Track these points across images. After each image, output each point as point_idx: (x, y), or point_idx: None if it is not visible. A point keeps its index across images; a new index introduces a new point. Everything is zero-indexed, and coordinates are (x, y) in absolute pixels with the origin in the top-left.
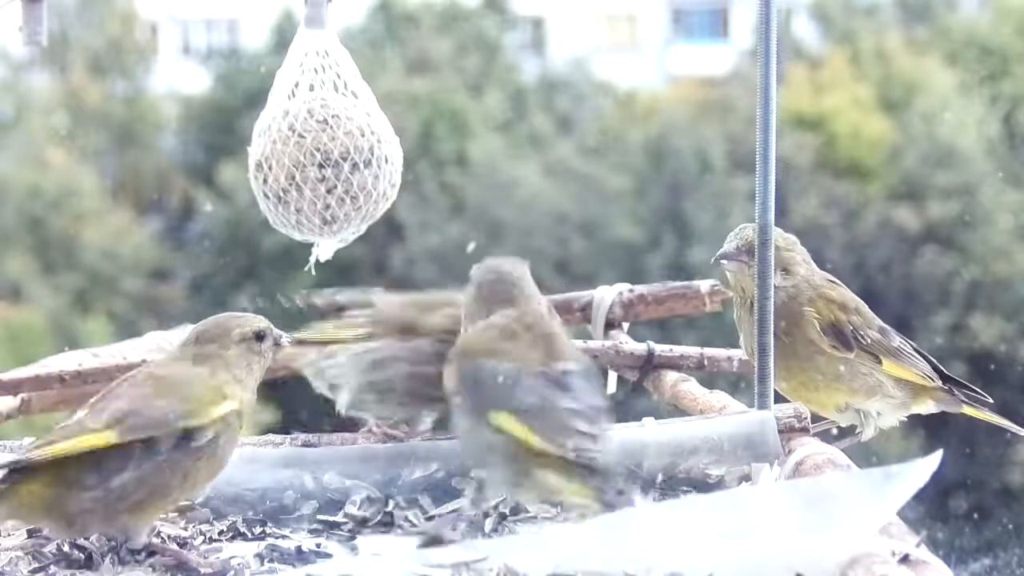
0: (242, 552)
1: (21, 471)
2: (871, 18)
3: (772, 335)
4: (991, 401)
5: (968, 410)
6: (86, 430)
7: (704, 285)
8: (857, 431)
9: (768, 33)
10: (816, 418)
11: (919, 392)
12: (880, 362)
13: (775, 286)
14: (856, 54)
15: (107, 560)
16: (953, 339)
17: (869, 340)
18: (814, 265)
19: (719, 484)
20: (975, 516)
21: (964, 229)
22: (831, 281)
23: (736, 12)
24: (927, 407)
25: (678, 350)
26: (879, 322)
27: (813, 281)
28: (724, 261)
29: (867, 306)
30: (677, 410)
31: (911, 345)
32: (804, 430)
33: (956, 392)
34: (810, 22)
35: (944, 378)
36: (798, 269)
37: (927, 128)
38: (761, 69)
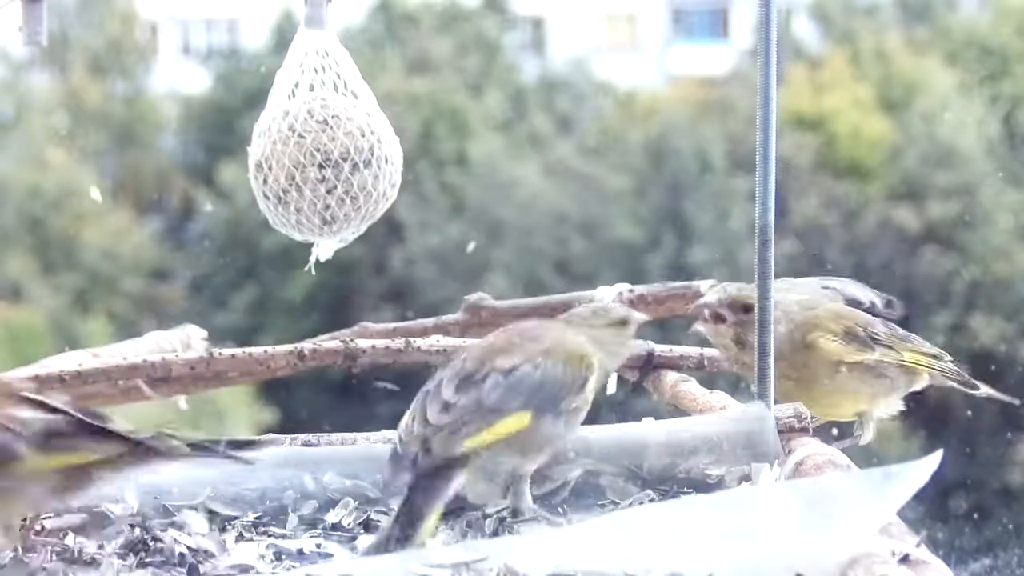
0: (242, 552)
1: None
2: (871, 18)
3: (772, 335)
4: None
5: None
6: None
7: (704, 285)
8: (856, 433)
9: (768, 33)
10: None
11: (919, 374)
12: (901, 353)
13: (750, 343)
14: (856, 54)
15: (108, 560)
16: (953, 339)
17: (882, 336)
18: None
19: (719, 484)
20: (975, 516)
21: (964, 229)
22: (809, 308)
23: (736, 12)
24: (922, 381)
25: (678, 350)
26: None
27: (795, 312)
28: (699, 326)
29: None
30: (677, 410)
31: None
32: (804, 430)
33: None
34: (810, 22)
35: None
36: (779, 329)
37: (927, 128)
38: (761, 69)
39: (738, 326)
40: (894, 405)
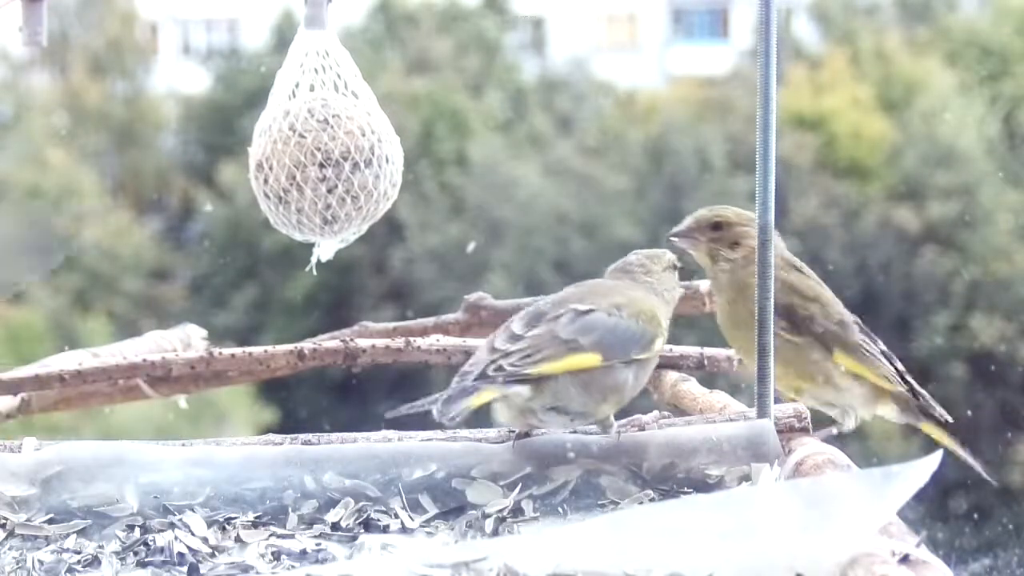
0: (242, 552)
1: None
2: (871, 18)
3: (772, 335)
4: (951, 420)
5: (927, 428)
6: None
7: (704, 285)
8: (837, 421)
9: (768, 33)
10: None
11: (879, 393)
12: (831, 352)
13: (728, 260)
14: (856, 54)
15: (108, 560)
16: (953, 339)
17: (822, 329)
18: (781, 245)
19: (719, 484)
20: (975, 516)
21: (964, 229)
22: (795, 267)
23: (736, 12)
24: (889, 411)
25: (678, 350)
26: (842, 316)
27: (785, 262)
28: (675, 239)
29: (835, 298)
30: (677, 410)
31: (880, 348)
32: (804, 430)
33: (917, 401)
34: (810, 22)
35: (912, 391)
36: (750, 243)
37: (927, 128)
38: (761, 69)
39: (710, 243)
40: (847, 401)
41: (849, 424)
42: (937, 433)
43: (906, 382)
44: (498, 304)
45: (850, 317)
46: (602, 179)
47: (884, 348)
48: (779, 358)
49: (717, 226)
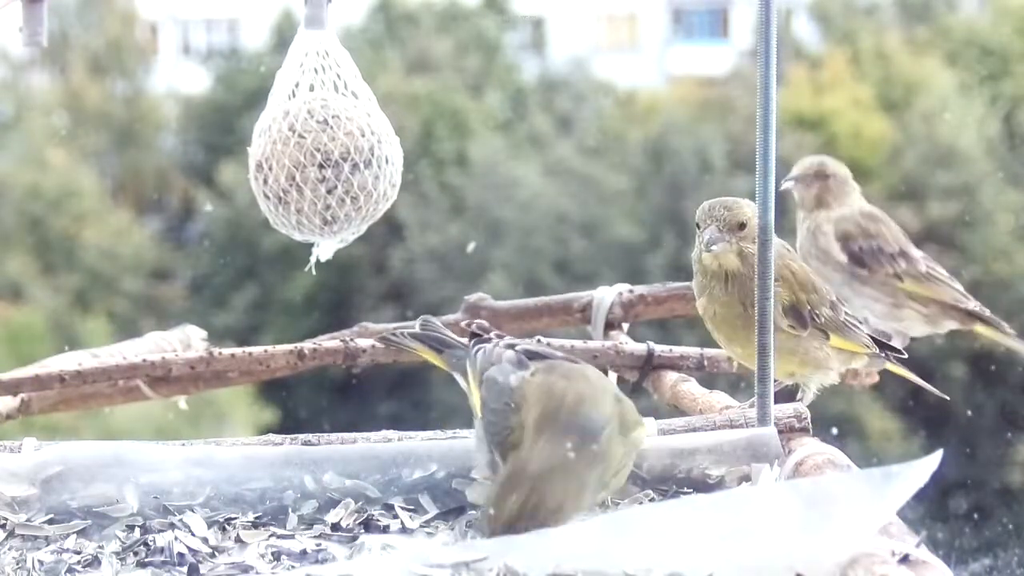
0: (242, 552)
1: None
2: (871, 18)
3: (772, 335)
4: (906, 356)
5: (889, 366)
6: None
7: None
8: (799, 397)
9: (768, 33)
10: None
11: (855, 355)
12: (828, 337)
13: (747, 254)
14: (856, 54)
15: (108, 560)
16: (953, 339)
17: (823, 319)
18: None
19: (719, 484)
20: (975, 516)
21: (964, 229)
22: (788, 249)
23: (736, 12)
24: (860, 362)
25: (678, 350)
26: (831, 297)
27: (780, 252)
28: (714, 247)
29: (818, 278)
30: (677, 410)
31: (853, 317)
32: (804, 430)
33: (883, 353)
34: (810, 22)
35: (880, 345)
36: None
37: (927, 128)
38: (761, 69)
39: (740, 243)
40: (831, 375)
41: (809, 398)
42: (897, 369)
43: (876, 343)
44: (498, 304)
45: (834, 293)
46: (602, 179)
47: (853, 314)
48: (782, 349)
49: (743, 225)
